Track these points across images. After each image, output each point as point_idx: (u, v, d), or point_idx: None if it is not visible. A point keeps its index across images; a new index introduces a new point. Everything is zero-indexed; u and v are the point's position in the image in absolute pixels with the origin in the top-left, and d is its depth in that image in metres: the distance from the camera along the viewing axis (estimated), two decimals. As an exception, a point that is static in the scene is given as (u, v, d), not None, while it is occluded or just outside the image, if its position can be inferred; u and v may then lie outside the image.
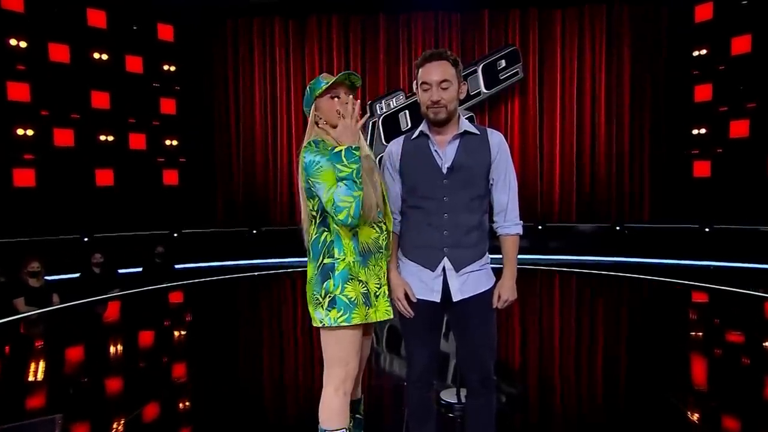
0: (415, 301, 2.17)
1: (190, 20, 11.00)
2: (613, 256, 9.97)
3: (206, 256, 10.35)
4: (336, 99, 2.12)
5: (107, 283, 7.27)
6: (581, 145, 11.04)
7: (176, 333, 5.62)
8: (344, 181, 1.95)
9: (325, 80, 2.11)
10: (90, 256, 7.31)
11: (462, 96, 2.18)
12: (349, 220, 1.96)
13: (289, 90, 11.53)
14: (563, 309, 6.55)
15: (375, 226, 2.10)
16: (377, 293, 2.12)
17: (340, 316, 2.01)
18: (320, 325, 2.05)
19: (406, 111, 10.80)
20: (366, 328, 2.20)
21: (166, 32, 10.73)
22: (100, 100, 9.90)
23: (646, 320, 5.84)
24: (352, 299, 2.03)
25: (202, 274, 8.97)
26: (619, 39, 10.77)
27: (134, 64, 10.30)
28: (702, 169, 10.09)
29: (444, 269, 2.14)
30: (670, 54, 10.49)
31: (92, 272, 7.24)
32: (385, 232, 2.15)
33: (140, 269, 8.32)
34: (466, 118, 2.25)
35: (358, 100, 2.07)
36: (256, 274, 9.00)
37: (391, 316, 2.14)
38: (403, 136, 2.29)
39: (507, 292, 2.18)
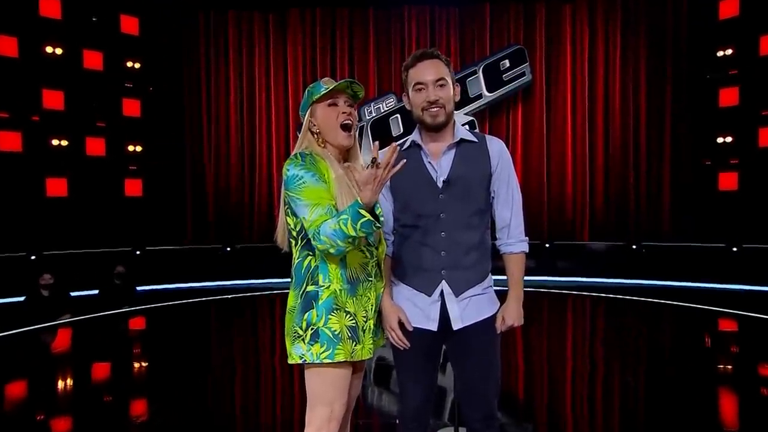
0: (410, 329, 2.15)
1: (157, 12, 11.01)
2: (629, 278, 9.99)
3: (173, 276, 10.24)
4: (334, 107, 2.12)
5: (57, 307, 7.15)
6: (593, 155, 11.10)
7: (137, 366, 5.52)
8: (342, 228, 1.88)
9: (326, 85, 2.11)
10: (38, 276, 7.19)
11: (456, 98, 2.21)
12: (331, 251, 1.95)
13: (268, 91, 11.54)
14: (574, 338, 6.52)
15: (365, 249, 2.09)
16: (364, 328, 2.09)
17: (323, 351, 1.98)
18: (299, 361, 2.01)
19: (398, 115, 10.84)
20: (356, 365, 2.17)
21: (130, 25, 10.71)
22: (53, 99, 9.83)
23: (667, 351, 5.82)
24: (337, 333, 2.00)
25: (168, 297, 8.85)
26: (636, 37, 10.88)
27: (93, 60, 10.26)
28: (728, 181, 10.16)
29: (442, 294, 2.13)
30: (692, 54, 10.60)
31: (40, 295, 7.13)
32: (374, 258, 2.13)
33: (96, 292, 8.21)
34: (466, 123, 2.25)
35: (394, 152, 1.89)
36: (230, 297, 8.90)
37: (371, 356, 2.13)
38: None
39: (512, 316, 2.17)
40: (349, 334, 2.02)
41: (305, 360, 1.99)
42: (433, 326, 2.13)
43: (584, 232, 11.03)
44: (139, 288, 8.68)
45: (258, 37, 11.50)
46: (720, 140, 10.20)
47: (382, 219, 2.05)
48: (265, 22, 11.52)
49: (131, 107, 10.78)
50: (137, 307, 7.93)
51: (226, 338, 6.70)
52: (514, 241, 2.21)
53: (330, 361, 1.98)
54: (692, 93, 10.64)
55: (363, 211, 1.85)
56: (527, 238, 2.25)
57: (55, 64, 9.79)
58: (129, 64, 10.67)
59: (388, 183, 2.18)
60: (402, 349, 2.16)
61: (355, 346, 2.04)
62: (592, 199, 11.10)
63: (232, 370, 5.22)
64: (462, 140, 2.18)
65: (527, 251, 2.24)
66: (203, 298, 8.81)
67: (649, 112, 10.87)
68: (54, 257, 9.10)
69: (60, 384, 4.86)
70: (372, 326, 2.12)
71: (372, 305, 2.13)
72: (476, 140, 2.19)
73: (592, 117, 11.10)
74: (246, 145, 11.57)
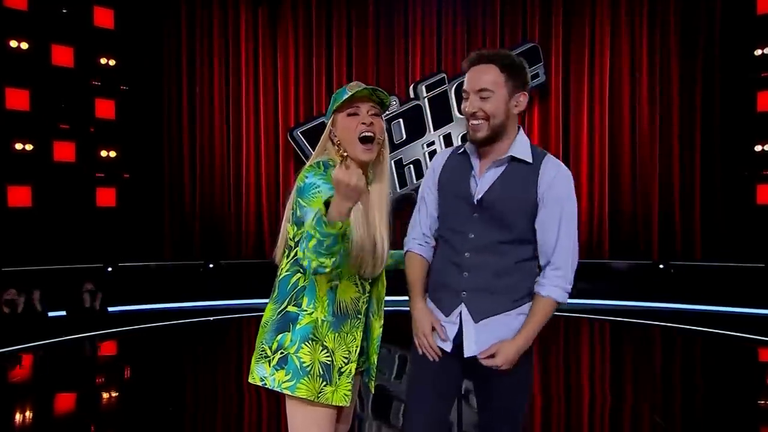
0: (444, 338, 2.16)
1: (135, 3, 11.05)
2: (655, 302, 9.94)
3: (150, 296, 10.15)
4: (354, 117, 2.11)
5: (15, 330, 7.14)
6: (616, 164, 11.07)
7: (106, 397, 5.48)
8: (309, 230, 1.83)
9: (350, 91, 2.11)
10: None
11: (519, 109, 2.16)
12: (320, 270, 1.86)
13: (257, 91, 11.55)
14: (593, 369, 6.47)
15: (358, 283, 2.09)
16: (342, 370, 2.06)
17: (287, 380, 1.99)
18: (260, 383, 2.04)
19: (400, 120, 10.82)
20: (340, 411, 2.15)
21: (104, 17, 10.73)
22: (17, 99, 9.79)
23: (700, 385, 5.78)
24: (305, 365, 1.99)
25: (144, 319, 8.78)
26: (665, 32, 10.86)
27: (63, 55, 10.26)
28: (768, 194, 10.14)
29: (460, 316, 2.13)
30: (727, 53, 10.57)
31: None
32: (367, 294, 2.13)
33: (63, 313, 8.19)
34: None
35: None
36: (212, 319, 8.89)
37: (347, 404, 2.07)
38: (452, 148, 2.34)
39: (506, 355, 2.07)
40: (321, 372, 2.01)
41: (266, 384, 2.02)
42: (447, 347, 2.16)
43: (604, 249, 10.98)
44: (111, 309, 8.66)
45: (246, 33, 11.53)
46: (758, 149, 10.16)
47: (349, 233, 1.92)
48: (254, 16, 11.56)
49: (105, 108, 10.75)
50: (109, 330, 7.90)
51: (209, 366, 6.64)
52: (548, 283, 2.16)
53: (290, 393, 1.98)
54: (727, 96, 10.59)
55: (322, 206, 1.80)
56: (569, 288, 2.18)
57: (20, 59, 9.77)
58: (103, 60, 10.65)
59: (437, 182, 2.25)
60: (430, 360, 2.16)
61: (325, 386, 2.01)
62: (613, 212, 11.04)
63: (215, 403, 5.19)
64: (513, 158, 2.14)
65: (559, 301, 2.16)
66: (184, 320, 8.76)
67: (681, 116, 10.80)
68: (16, 274, 9.02)
69: (18, 418, 4.82)
70: (352, 371, 2.08)
71: (356, 347, 2.09)
72: (530, 161, 2.14)
73: (614, 123, 11.06)
74: (231, 152, 11.55)
